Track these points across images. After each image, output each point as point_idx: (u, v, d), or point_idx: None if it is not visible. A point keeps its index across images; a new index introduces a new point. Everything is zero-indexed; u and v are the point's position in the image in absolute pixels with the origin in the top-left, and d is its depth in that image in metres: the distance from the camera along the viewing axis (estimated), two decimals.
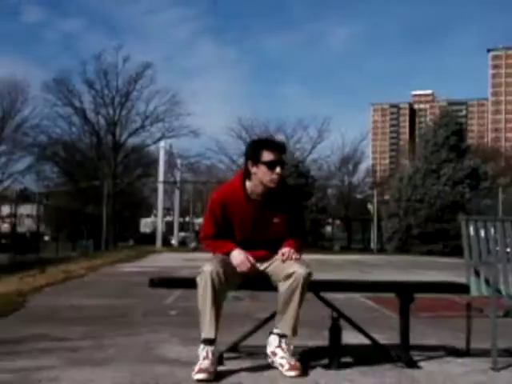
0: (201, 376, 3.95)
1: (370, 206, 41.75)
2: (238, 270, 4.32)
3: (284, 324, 4.33)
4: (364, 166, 55.85)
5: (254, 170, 4.39)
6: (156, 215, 44.77)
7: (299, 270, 4.31)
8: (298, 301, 4.30)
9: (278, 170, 4.36)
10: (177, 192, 42.45)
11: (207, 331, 4.14)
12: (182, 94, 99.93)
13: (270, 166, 4.35)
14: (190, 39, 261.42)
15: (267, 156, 4.36)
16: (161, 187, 39.97)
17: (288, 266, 4.36)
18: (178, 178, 42.84)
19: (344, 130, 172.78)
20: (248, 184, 4.44)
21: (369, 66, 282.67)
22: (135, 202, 52.55)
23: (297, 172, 37.93)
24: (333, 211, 43.98)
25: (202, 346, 4.14)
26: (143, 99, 49.63)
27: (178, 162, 43.35)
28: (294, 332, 4.34)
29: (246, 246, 4.42)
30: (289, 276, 4.30)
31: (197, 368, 4.01)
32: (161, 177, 39.65)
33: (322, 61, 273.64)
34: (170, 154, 41.79)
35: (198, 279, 4.24)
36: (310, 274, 4.32)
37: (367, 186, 51.71)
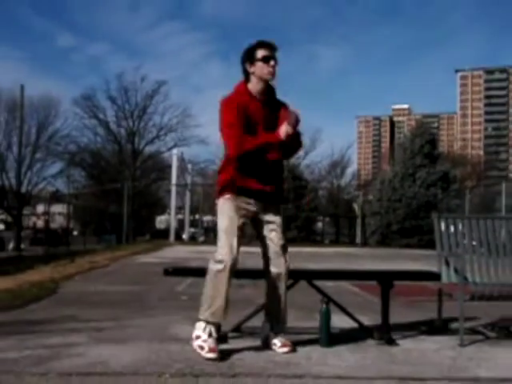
0: (213, 355, 3.90)
1: (355, 205, 41.52)
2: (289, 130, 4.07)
3: (279, 326, 4.29)
4: (350, 171, 56.07)
5: (252, 69, 4.21)
6: (169, 213, 44.60)
7: (286, 264, 4.29)
8: (285, 294, 4.29)
9: (272, 62, 4.20)
10: (188, 193, 42.33)
11: (219, 316, 4.06)
12: (192, 107, 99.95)
13: (265, 60, 4.19)
14: (200, 60, 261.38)
15: (261, 53, 4.20)
16: (174, 189, 39.82)
17: (279, 249, 4.28)
18: (188, 181, 42.59)
19: (333, 140, 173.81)
20: (249, 85, 4.25)
21: (354, 83, 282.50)
22: (151, 202, 52.48)
23: (292, 175, 37.48)
24: (323, 210, 43.85)
25: (203, 324, 4.06)
26: (159, 112, 49.65)
27: (189, 166, 43.22)
28: (285, 324, 4.34)
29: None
30: (278, 264, 4.25)
31: (206, 347, 3.96)
32: (174, 180, 39.48)
33: (314, 79, 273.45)
34: (181, 160, 41.55)
35: (214, 266, 4.08)
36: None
37: (353, 188, 51.61)
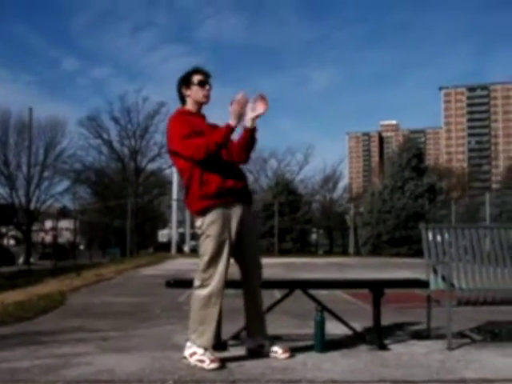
0: (215, 365, 3.84)
1: (347, 217, 41.40)
2: (236, 114, 4.02)
3: (265, 333, 4.27)
4: (342, 184, 55.62)
5: (188, 92, 4.25)
6: (171, 227, 44.07)
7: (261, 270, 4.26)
8: (261, 301, 4.28)
9: (207, 86, 4.24)
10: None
11: (209, 341, 3.98)
12: None
13: (201, 84, 4.22)
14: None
15: (197, 78, 4.23)
16: (174, 204, 39.83)
17: (256, 257, 4.23)
18: None
19: (325, 155, 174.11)
20: (186, 107, 4.29)
21: (344, 101, 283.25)
22: (154, 217, 52.23)
23: (287, 190, 37.64)
24: (317, 222, 43.58)
25: (201, 350, 3.94)
26: (159, 131, 48.90)
27: None
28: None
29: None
30: (256, 273, 4.21)
31: (207, 360, 3.87)
32: (174, 195, 39.29)
33: (306, 98, 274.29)
34: None
35: (201, 292, 3.98)
36: None
37: (345, 201, 51.27)
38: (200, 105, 4.28)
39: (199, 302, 4.00)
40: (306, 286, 4.87)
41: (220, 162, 4.10)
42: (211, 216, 4.02)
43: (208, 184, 4.03)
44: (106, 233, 48.86)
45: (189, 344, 4.03)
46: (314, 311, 4.52)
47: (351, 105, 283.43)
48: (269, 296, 4.45)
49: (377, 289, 4.74)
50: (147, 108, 48.56)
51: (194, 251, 39.15)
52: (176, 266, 20.11)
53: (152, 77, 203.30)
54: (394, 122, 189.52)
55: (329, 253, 39.59)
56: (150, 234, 54.21)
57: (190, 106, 4.27)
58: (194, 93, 4.23)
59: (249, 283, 4.19)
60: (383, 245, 34.09)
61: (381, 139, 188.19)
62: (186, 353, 4.02)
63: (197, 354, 3.95)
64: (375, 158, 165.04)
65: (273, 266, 16.63)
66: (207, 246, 4.00)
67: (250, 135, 4.19)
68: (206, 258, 4.00)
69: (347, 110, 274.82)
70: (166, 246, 43.06)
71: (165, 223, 55.87)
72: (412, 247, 30.51)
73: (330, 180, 51.49)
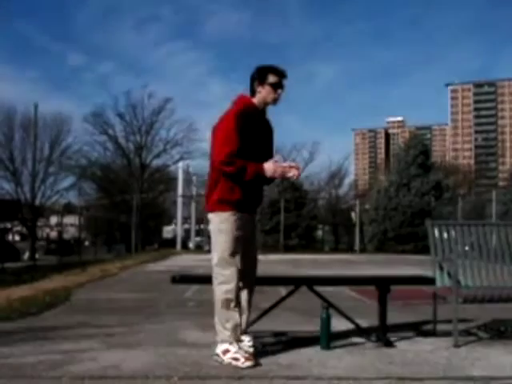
0: (250, 363, 3.83)
1: (353, 214, 40.97)
2: (276, 175, 4.05)
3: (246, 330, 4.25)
4: (348, 181, 55.16)
5: (259, 89, 4.16)
6: (176, 223, 43.96)
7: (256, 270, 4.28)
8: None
9: (279, 91, 4.19)
10: (193, 204, 41.37)
11: (237, 333, 3.98)
12: (197, 122, 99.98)
13: (274, 86, 4.16)
14: (203, 77, 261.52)
15: (272, 78, 4.16)
16: (180, 200, 39.43)
17: (255, 260, 4.25)
18: (194, 193, 41.68)
19: (331, 152, 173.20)
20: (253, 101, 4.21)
21: (350, 98, 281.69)
22: (158, 213, 51.98)
23: (292, 187, 36.92)
24: (323, 218, 43.05)
25: (234, 348, 3.92)
26: (165, 127, 49.17)
27: (194, 179, 42.05)
28: None
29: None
30: (253, 273, 4.22)
31: (241, 358, 3.86)
32: (180, 191, 39.07)
33: (312, 95, 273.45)
34: (187, 173, 41.01)
35: (224, 295, 3.96)
36: None
37: (351, 198, 51.06)
38: (267, 105, 4.23)
39: (224, 299, 3.98)
40: (311, 282, 4.87)
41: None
42: (226, 214, 4.05)
43: (233, 193, 4.05)
44: (111, 229, 48.93)
45: (219, 341, 4.00)
46: (320, 308, 4.51)
47: (357, 101, 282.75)
48: (274, 293, 4.44)
49: (383, 285, 4.74)
50: (153, 104, 48.66)
51: (199, 248, 39.28)
52: (181, 261, 20.10)
53: (157, 72, 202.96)
54: (400, 118, 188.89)
55: (334, 249, 38.79)
56: (155, 231, 53.98)
57: (257, 101, 4.20)
58: (266, 92, 4.17)
59: (245, 283, 4.17)
60: (389, 242, 33.79)
61: (387, 136, 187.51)
62: (218, 350, 3.98)
63: (230, 351, 3.92)
64: (381, 155, 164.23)
65: (278, 263, 16.74)
66: (222, 241, 4.01)
67: (266, 179, 4.15)
68: (224, 254, 3.99)
69: (353, 106, 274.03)
70: (171, 243, 42.80)
71: (170, 220, 55.75)
72: (418, 244, 30.06)
73: (336, 177, 51.11)
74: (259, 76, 4.19)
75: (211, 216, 4.10)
